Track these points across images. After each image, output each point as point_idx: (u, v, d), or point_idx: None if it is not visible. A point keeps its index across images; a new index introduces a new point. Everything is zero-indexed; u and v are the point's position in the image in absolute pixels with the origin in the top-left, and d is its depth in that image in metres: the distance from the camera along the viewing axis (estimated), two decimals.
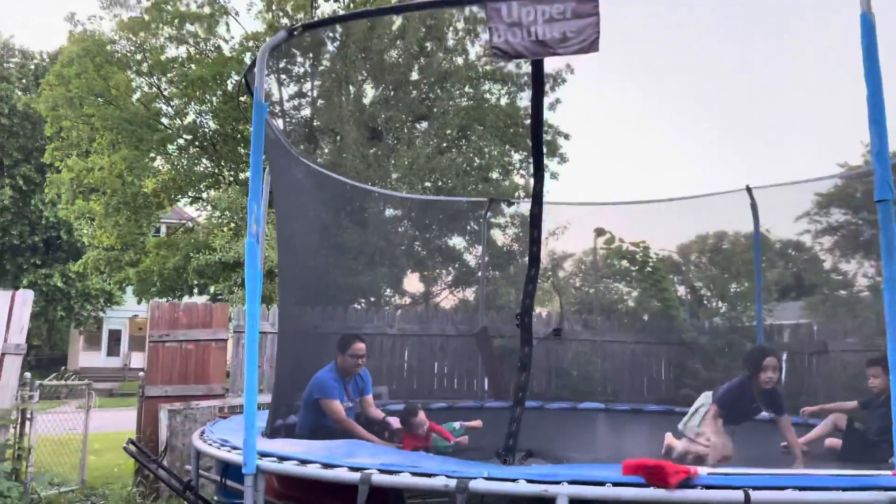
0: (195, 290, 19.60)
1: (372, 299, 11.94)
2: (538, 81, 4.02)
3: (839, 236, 16.32)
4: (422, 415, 5.56)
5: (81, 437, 9.47)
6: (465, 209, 12.79)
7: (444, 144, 15.24)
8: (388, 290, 12.60)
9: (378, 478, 3.52)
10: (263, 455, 4.15)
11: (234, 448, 4.47)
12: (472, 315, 10.49)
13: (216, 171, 19.29)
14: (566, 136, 18.62)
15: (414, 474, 3.53)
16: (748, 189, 8.29)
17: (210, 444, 4.74)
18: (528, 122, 18.10)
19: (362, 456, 4.06)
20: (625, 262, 10.82)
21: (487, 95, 17.76)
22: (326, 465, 3.85)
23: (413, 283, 13.85)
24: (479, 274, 13.42)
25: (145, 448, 5.88)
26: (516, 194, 14.59)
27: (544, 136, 18.84)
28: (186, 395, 8.77)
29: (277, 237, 6.38)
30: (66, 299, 31.57)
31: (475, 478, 3.28)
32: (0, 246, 30.02)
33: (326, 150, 15.13)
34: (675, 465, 3.30)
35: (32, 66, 31.94)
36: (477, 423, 5.96)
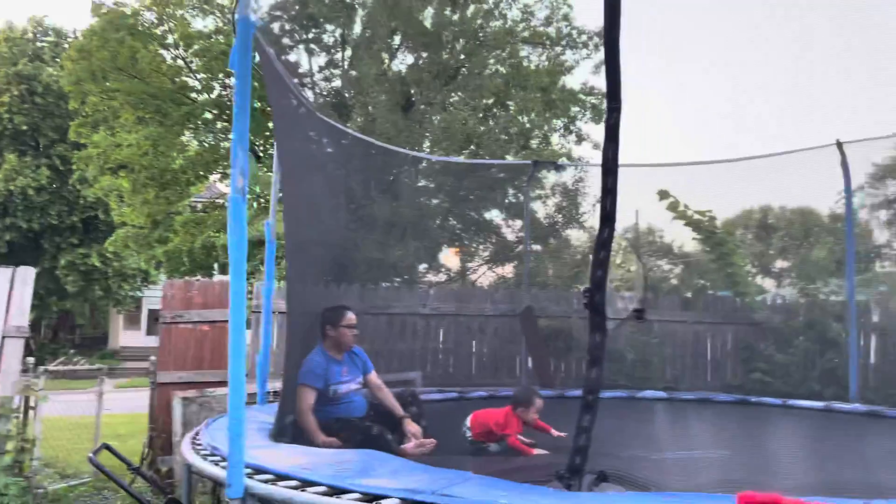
0: (226, 270, 18.96)
1: (405, 277, 11.03)
2: None
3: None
4: (539, 403, 4.72)
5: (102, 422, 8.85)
6: (505, 178, 11.76)
7: (480, 114, 14.13)
8: (421, 266, 11.67)
9: None
10: (255, 471, 3.26)
11: (223, 458, 3.60)
12: (514, 293, 9.50)
13: None
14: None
15: None
16: (838, 144, 7.13)
17: (199, 452, 3.87)
18: (567, 85, 17.00)
19: (380, 474, 3.15)
20: (691, 232, 9.69)
21: (525, 62, 16.62)
22: (333, 491, 2.94)
23: (448, 258, 12.91)
24: (522, 247, 12.44)
25: (121, 453, 5.04)
26: (560, 160, 13.43)
27: (590, 100, 17.72)
28: (202, 382, 8.00)
29: (284, 205, 5.55)
30: (104, 279, 31.43)
31: None
32: (39, 226, 29.89)
33: (359, 120, 14.24)
34: None
35: (66, 45, 31.54)
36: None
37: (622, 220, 10.19)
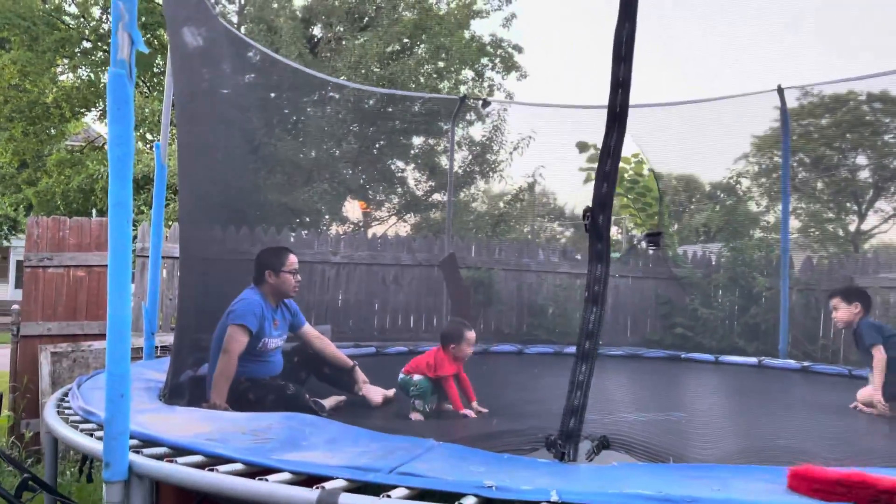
0: (104, 214, 17.26)
1: (306, 220, 10.11)
2: None
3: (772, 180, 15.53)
4: (471, 335, 4.03)
5: None
6: (421, 121, 10.97)
7: (387, 61, 13.14)
8: (328, 212, 10.78)
9: (349, 501, 1.92)
10: (144, 442, 2.48)
11: (100, 426, 2.78)
12: (434, 240, 8.87)
13: None
14: (520, 50, 16.79)
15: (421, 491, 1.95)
16: (779, 90, 6.82)
17: (68, 419, 3.01)
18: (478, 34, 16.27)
19: (314, 445, 2.44)
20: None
21: (436, 7, 15.73)
22: (252, 470, 2.21)
23: (353, 209, 12.05)
24: (444, 196, 11.77)
25: None
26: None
27: (500, 52, 17.13)
28: (76, 335, 6.93)
29: (179, 142, 4.66)
30: None
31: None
32: None
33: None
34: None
35: None
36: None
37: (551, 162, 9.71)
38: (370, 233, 9.92)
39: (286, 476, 2.15)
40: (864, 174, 20.10)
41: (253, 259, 4.26)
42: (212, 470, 2.20)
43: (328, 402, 4.03)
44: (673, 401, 4.22)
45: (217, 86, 4.99)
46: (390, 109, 10.66)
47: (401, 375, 4.12)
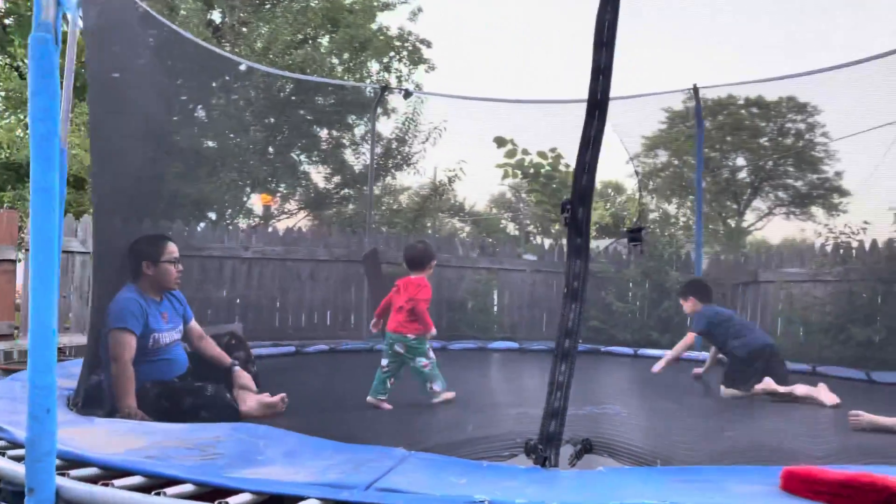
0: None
1: (213, 212, 9.59)
2: None
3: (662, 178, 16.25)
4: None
5: None
6: (336, 107, 10.61)
7: (299, 38, 12.64)
8: (237, 205, 10.26)
9: None
10: (68, 462, 2.17)
11: (12, 445, 2.43)
12: (351, 235, 8.58)
13: None
14: (429, 45, 16.65)
15: None
16: (695, 89, 7.00)
17: None
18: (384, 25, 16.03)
19: (271, 459, 2.20)
20: (523, 181, 9.34)
21: None
22: (205, 490, 1.96)
23: (261, 200, 11.55)
24: (355, 190, 11.49)
25: None
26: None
27: (406, 45, 16.94)
28: None
29: (91, 129, 4.26)
30: None
31: None
32: None
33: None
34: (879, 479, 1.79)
35: None
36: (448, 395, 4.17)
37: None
38: (281, 227, 9.54)
39: (248, 497, 1.91)
40: (742, 174, 21.37)
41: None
42: (158, 494, 1.93)
43: (251, 406, 3.68)
44: (604, 394, 4.20)
45: (126, 66, 4.56)
46: (302, 98, 10.25)
47: (391, 334, 4.19)
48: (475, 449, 2.29)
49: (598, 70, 2.21)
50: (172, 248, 3.88)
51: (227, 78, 8.93)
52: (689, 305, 5.38)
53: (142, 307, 3.60)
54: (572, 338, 2.21)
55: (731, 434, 2.70)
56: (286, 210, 11.86)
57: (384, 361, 4.16)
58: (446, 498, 1.83)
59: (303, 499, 1.87)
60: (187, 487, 2.00)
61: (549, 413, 2.16)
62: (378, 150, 11.19)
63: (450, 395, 4.18)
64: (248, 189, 10.51)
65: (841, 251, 6.90)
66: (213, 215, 9.64)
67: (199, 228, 7.99)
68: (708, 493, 1.83)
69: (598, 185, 9.84)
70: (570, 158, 8.49)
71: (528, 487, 1.93)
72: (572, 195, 2.22)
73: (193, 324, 4.09)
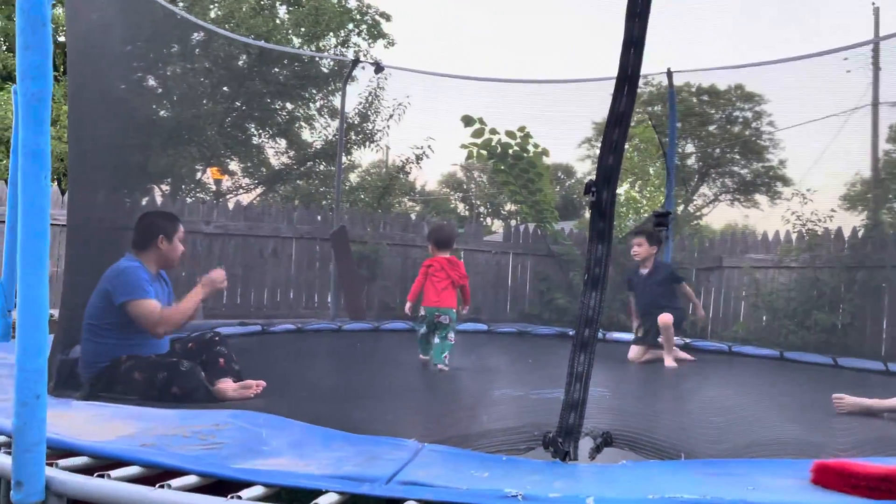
0: None
1: (164, 188, 9.24)
2: None
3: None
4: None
5: None
6: (300, 80, 10.33)
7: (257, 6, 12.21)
8: (194, 179, 9.92)
9: None
10: (55, 451, 2.01)
11: None
12: (316, 211, 8.37)
13: None
14: (388, 18, 16.33)
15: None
16: (668, 73, 7.01)
17: None
18: None
19: (277, 451, 2.08)
20: (490, 161, 9.23)
21: None
22: (210, 481, 1.83)
23: (219, 173, 11.20)
24: (315, 166, 11.23)
25: None
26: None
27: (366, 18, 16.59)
28: None
29: (70, 100, 4.03)
30: None
31: None
32: None
33: None
34: None
35: None
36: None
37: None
38: (241, 201, 9.26)
39: (259, 490, 1.79)
40: (691, 161, 21.79)
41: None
42: (162, 486, 1.79)
43: (228, 388, 3.53)
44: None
45: (101, 31, 4.31)
46: (262, 69, 9.93)
47: (437, 308, 4.46)
48: (493, 441, 2.20)
49: (630, 42, 2.12)
50: (182, 228, 3.78)
51: (190, 46, 8.58)
52: (643, 249, 5.53)
53: (147, 279, 3.46)
54: (592, 327, 2.14)
55: (753, 427, 2.67)
56: (244, 185, 11.55)
57: (425, 331, 4.55)
58: (475, 492, 1.74)
59: (320, 492, 1.76)
60: (191, 479, 1.86)
61: (569, 405, 2.09)
62: (344, 122, 10.99)
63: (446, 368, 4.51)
64: (206, 162, 10.17)
65: (806, 238, 7.03)
66: (166, 188, 9.30)
67: (157, 201, 7.68)
68: (740, 487, 1.78)
69: (549, 165, 9.66)
70: (539, 139, 8.44)
71: (556, 481, 1.86)
72: (597, 176, 2.13)
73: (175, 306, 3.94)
